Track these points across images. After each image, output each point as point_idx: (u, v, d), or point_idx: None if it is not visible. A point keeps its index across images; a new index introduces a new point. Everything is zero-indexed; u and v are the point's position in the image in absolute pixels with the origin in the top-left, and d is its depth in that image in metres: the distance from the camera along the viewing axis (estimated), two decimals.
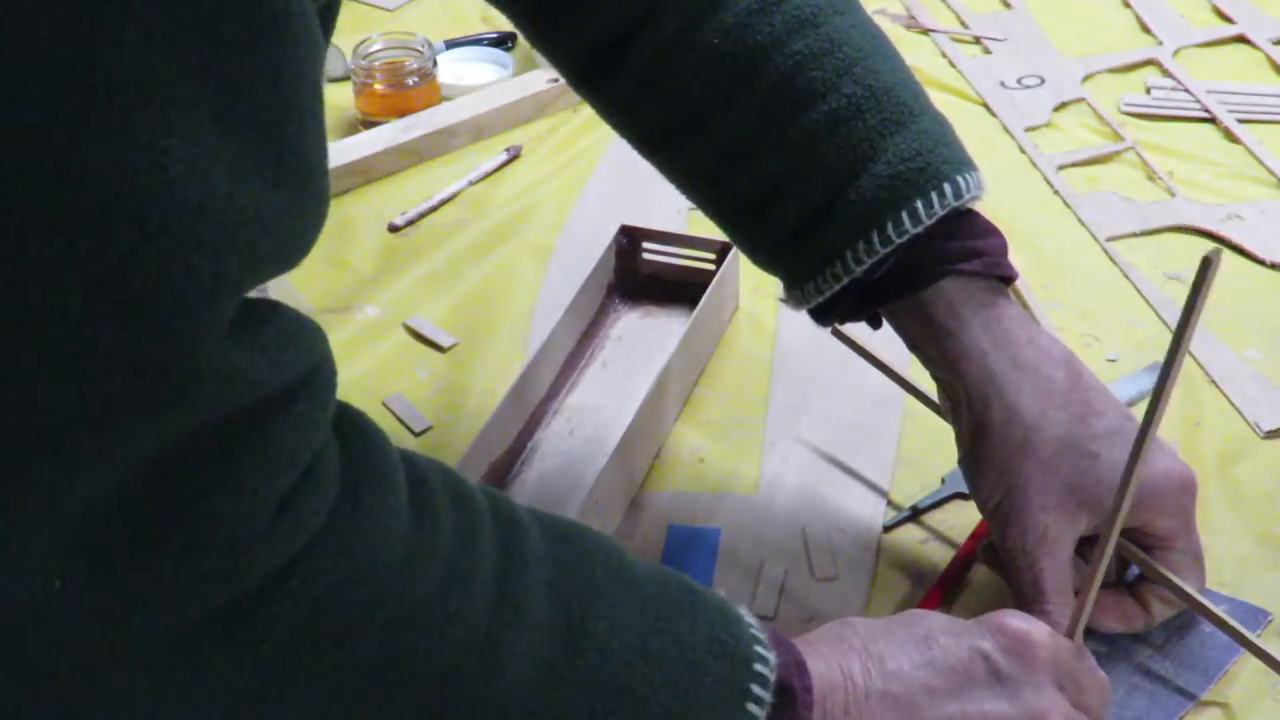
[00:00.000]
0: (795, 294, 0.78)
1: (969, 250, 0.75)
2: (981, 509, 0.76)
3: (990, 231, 0.77)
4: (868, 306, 0.77)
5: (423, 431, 0.94)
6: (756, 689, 0.62)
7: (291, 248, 0.51)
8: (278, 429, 0.51)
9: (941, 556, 0.83)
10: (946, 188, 0.74)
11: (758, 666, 0.62)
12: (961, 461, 0.77)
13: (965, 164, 0.76)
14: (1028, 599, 0.73)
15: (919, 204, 0.73)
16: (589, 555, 0.61)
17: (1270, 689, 0.75)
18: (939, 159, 0.74)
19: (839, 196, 0.74)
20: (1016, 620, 0.68)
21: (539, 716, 0.58)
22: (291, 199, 0.49)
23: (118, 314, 0.45)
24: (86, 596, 0.49)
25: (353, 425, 0.57)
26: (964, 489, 0.86)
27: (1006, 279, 0.76)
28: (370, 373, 0.99)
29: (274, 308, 0.52)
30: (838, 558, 0.83)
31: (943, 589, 0.80)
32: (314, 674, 0.54)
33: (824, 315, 0.79)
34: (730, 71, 0.74)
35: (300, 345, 0.52)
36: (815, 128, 0.74)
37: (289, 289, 1.05)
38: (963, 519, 0.85)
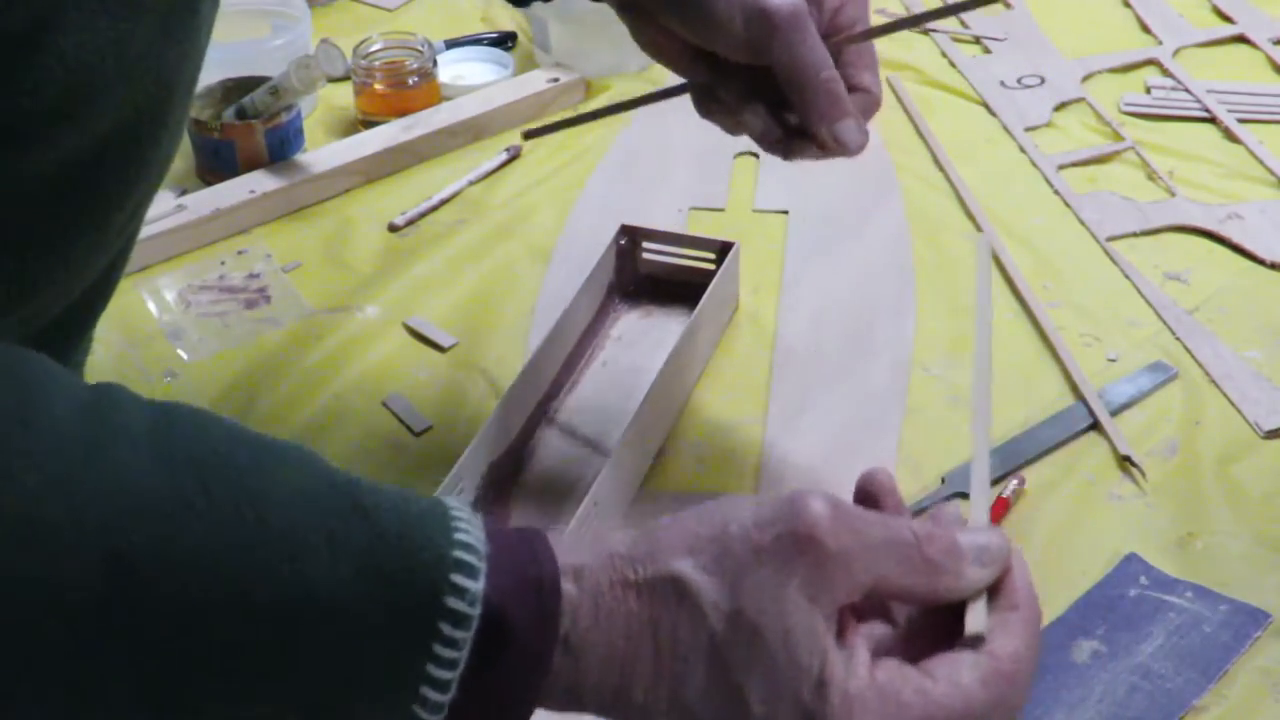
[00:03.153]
0: None
1: None
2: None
3: None
4: None
5: (423, 431, 0.94)
6: (447, 629, 0.50)
7: None
8: None
9: None
10: None
11: (449, 600, 0.50)
12: None
13: None
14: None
15: None
16: (214, 495, 0.49)
17: (1270, 689, 0.75)
18: None
19: None
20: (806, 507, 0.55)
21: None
22: None
23: None
24: None
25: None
26: (964, 489, 0.86)
27: None
28: (370, 373, 0.98)
29: None
30: None
31: None
32: None
33: None
34: None
35: None
36: None
37: (288, 288, 1.05)
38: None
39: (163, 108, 0.66)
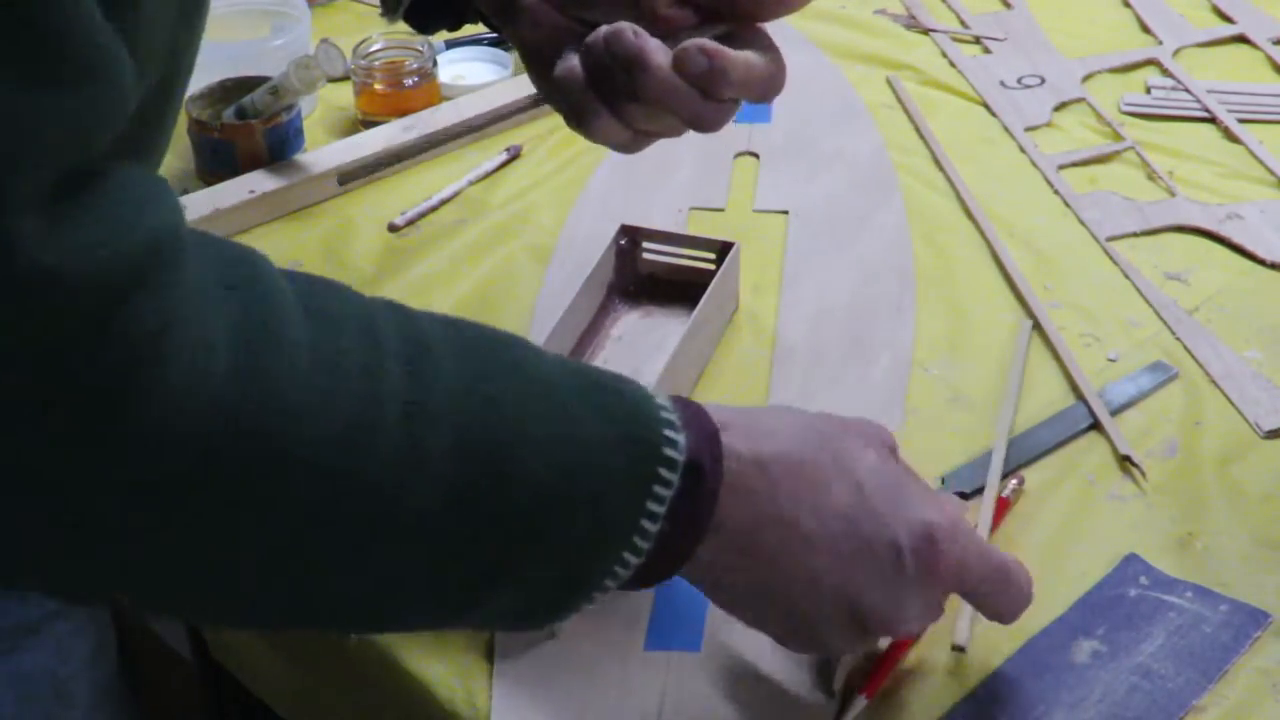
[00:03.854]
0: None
1: None
2: None
3: None
4: None
5: None
6: (664, 472, 0.63)
7: (89, 139, 0.50)
8: (135, 305, 0.50)
9: None
10: None
11: (666, 451, 0.63)
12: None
13: None
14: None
15: None
16: (496, 368, 0.61)
17: (1270, 689, 0.75)
18: None
19: None
20: (942, 525, 0.69)
21: (443, 542, 0.59)
22: (65, 95, 0.48)
23: None
24: None
25: (233, 261, 0.57)
26: (964, 488, 0.86)
27: None
28: None
29: (106, 179, 0.51)
30: None
31: None
32: (197, 496, 0.54)
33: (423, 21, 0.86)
34: None
35: (140, 218, 0.51)
36: None
37: None
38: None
39: (168, 91, 0.66)
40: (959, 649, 0.77)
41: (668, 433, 0.63)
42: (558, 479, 0.61)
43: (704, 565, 0.66)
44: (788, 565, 0.67)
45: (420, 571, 0.60)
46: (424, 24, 0.90)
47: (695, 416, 0.65)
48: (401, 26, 1.33)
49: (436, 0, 0.86)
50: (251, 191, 1.13)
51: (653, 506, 0.63)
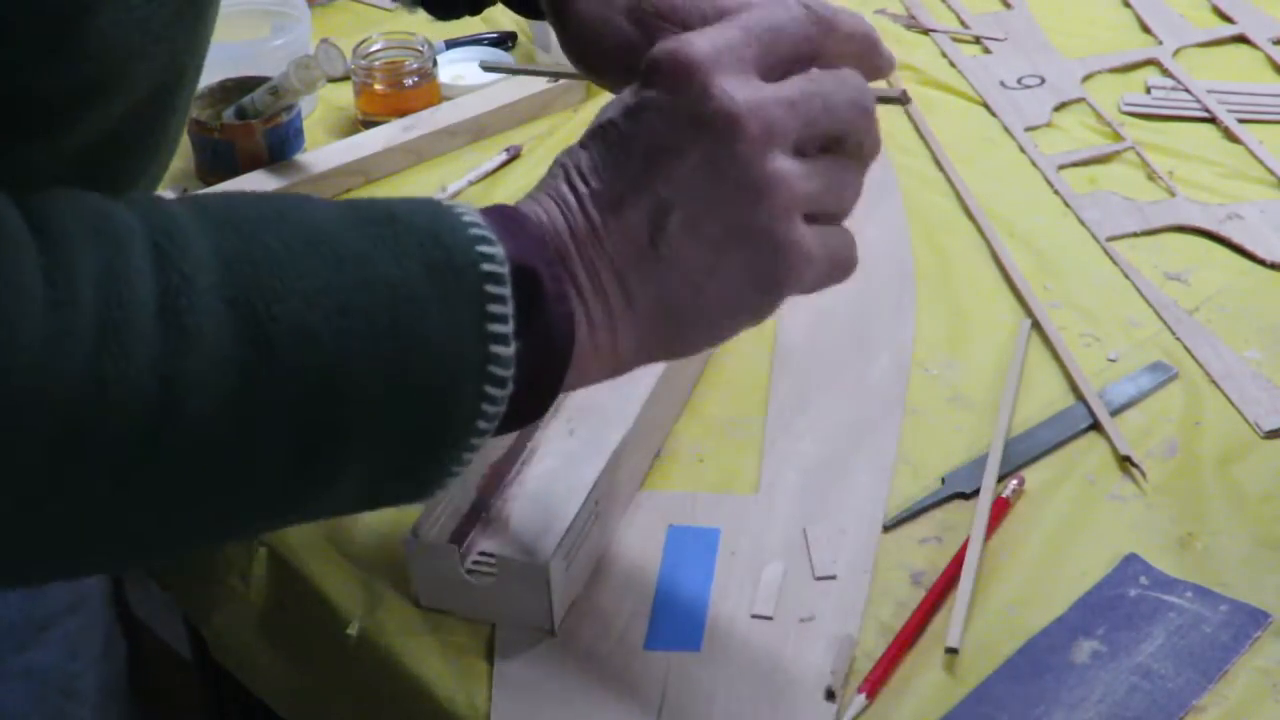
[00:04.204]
0: None
1: None
2: None
3: None
4: None
5: None
6: (492, 288, 0.58)
7: None
8: None
9: (941, 556, 0.83)
10: None
11: (486, 266, 0.58)
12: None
13: None
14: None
15: None
16: (263, 232, 0.55)
17: (1270, 689, 0.75)
18: None
19: None
20: (662, 47, 0.62)
21: (252, 432, 0.54)
22: None
23: None
24: None
25: None
26: (964, 489, 0.86)
27: None
28: None
29: None
30: (838, 558, 0.83)
31: (942, 589, 0.80)
32: None
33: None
34: None
35: None
36: None
37: None
38: (963, 519, 0.85)
39: (173, 91, 0.66)
40: (952, 651, 0.77)
41: (481, 248, 0.58)
42: (363, 335, 0.55)
43: (594, 358, 0.62)
44: (676, 253, 0.61)
45: (235, 466, 0.55)
46: (444, 10, 0.87)
47: (509, 219, 0.60)
48: (401, 25, 1.33)
49: None
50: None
51: (495, 328, 0.57)
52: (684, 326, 0.64)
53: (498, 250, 0.58)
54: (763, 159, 0.61)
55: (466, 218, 0.59)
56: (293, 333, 0.54)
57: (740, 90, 0.61)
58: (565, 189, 0.63)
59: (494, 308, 0.58)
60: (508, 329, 0.58)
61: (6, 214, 0.51)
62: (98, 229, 0.53)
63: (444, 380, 0.57)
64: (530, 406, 0.61)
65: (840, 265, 0.67)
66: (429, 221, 0.58)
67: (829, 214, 0.66)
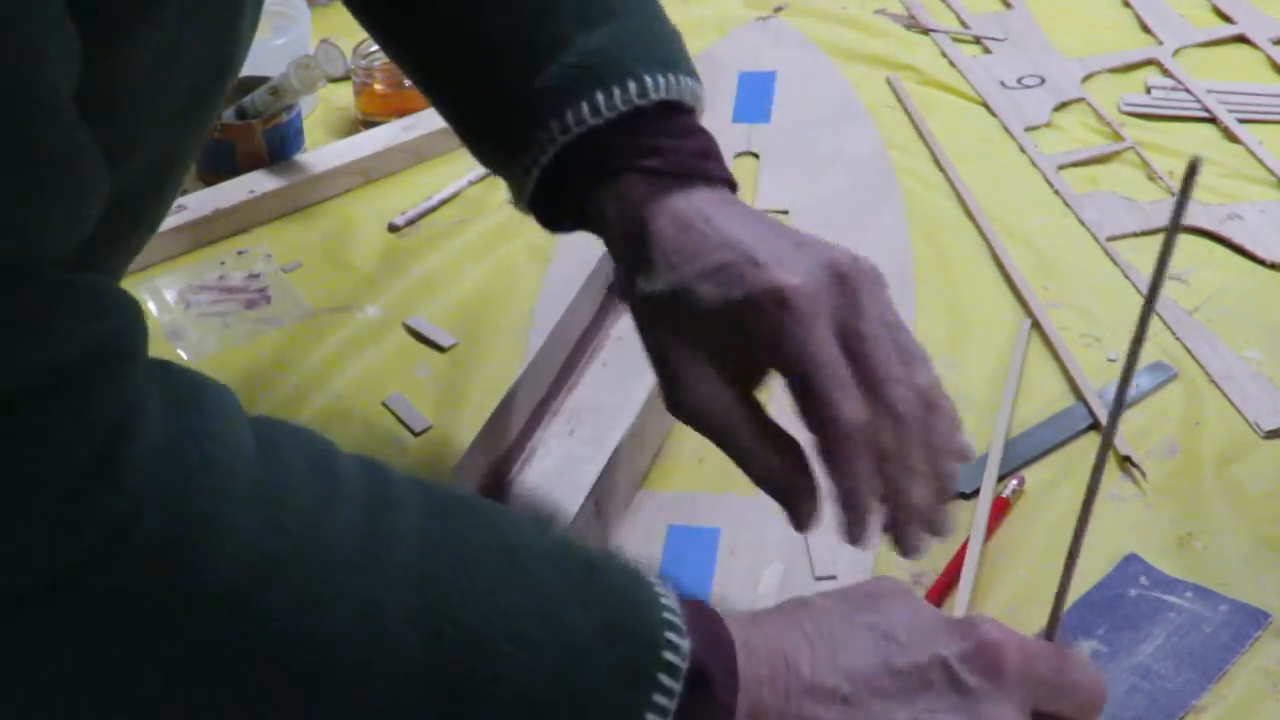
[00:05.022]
0: (513, 194, 0.78)
1: (650, 148, 0.72)
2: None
3: (690, 133, 0.74)
4: (571, 205, 0.75)
5: (423, 431, 0.94)
6: (665, 679, 0.57)
7: (36, 236, 0.49)
8: (45, 419, 0.49)
9: (941, 556, 0.83)
10: (631, 84, 0.72)
11: (666, 655, 0.57)
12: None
13: (667, 65, 0.74)
14: (728, 449, 0.70)
15: (599, 96, 0.72)
16: (470, 533, 0.57)
17: (1270, 689, 0.75)
18: (631, 57, 0.73)
19: (528, 86, 0.73)
20: (989, 627, 0.63)
21: (398, 709, 0.55)
22: (28, 191, 0.48)
23: None
24: None
25: (187, 384, 0.55)
26: (964, 488, 0.86)
27: (706, 177, 0.73)
28: (370, 373, 0.98)
29: (39, 285, 0.50)
30: (838, 558, 0.83)
31: (942, 589, 0.80)
32: (133, 657, 0.52)
33: (547, 218, 0.78)
34: None
35: (74, 327, 0.50)
36: (516, 17, 0.74)
37: (288, 289, 1.05)
38: (963, 518, 0.85)
39: (215, 88, 0.66)
40: None
41: (669, 634, 0.58)
42: (534, 666, 0.55)
43: None
44: None
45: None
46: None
47: (702, 616, 0.60)
48: None
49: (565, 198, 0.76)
50: (251, 191, 1.13)
51: (650, 718, 0.57)
52: None
53: (684, 644, 0.58)
54: None
55: (664, 599, 0.59)
56: (464, 639, 0.55)
57: None
58: (791, 649, 0.62)
59: (659, 698, 0.57)
60: (670, 706, 0.57)
61: (241, 423, 0.54)
62: (322, 466, 0.55)
63: None
64: None
65: None
66: (626, 585, 0.59)
67: None
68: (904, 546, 0.69)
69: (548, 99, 0.72)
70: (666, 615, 0.58)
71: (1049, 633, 0.66)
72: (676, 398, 0.71)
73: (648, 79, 0.72)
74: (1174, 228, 0.57)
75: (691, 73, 0.75)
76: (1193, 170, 0.55)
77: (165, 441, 0.52)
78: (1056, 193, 1.14)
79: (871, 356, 0.67)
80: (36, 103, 0.48)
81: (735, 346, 0.69)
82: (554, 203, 0.76)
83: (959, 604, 0.78)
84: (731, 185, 0.74)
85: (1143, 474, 0.88)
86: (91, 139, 0.51)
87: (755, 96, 1.25)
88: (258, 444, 0.54)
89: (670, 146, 0.72)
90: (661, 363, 0.71)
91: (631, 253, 0.72)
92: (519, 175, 0.75)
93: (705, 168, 0.73)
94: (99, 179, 0.53)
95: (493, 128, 0.76)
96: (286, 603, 0.52)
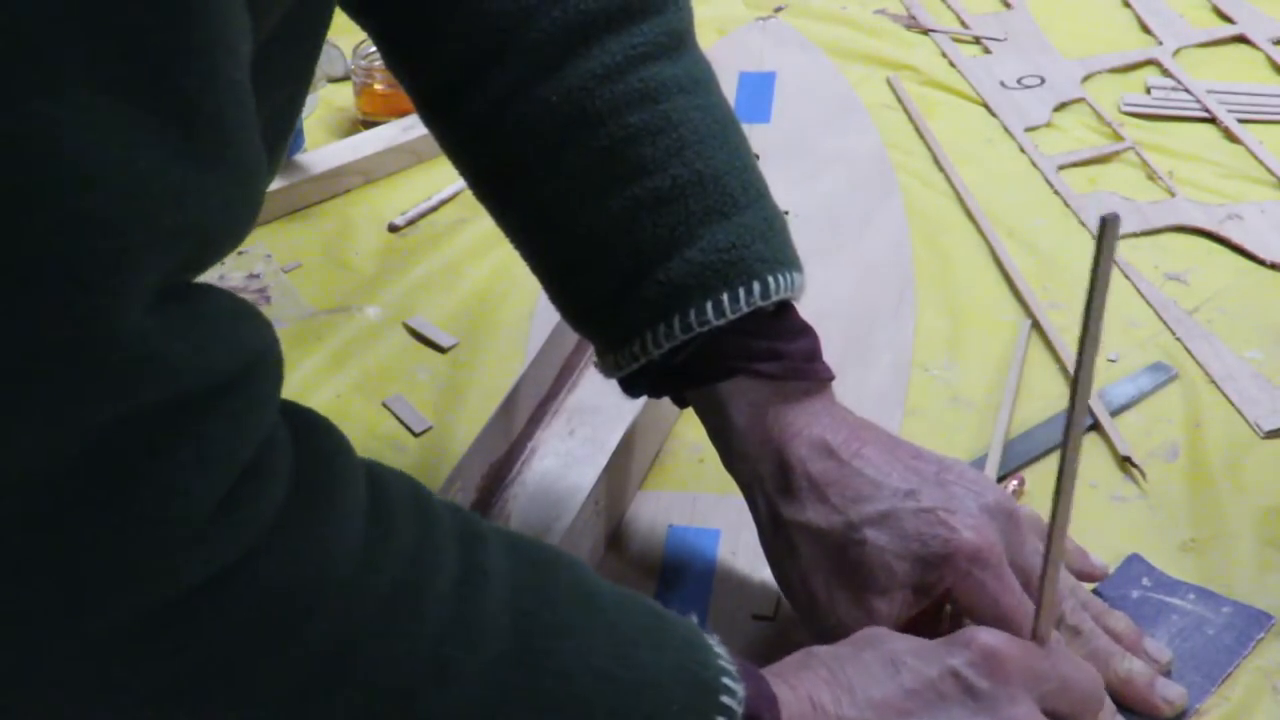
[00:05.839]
0: (604, 362, 0.77)
1: (767, 351, 0.74)
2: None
3: (799, 333, 0.76)
4: (670, 388, 0.77)
5: (423, 431, 0.94)
6: None
7: (214, 225, 0.49)
8: (212, 425, 0.49)
9: None
10: (755, 285, 0.73)
11: (724, 699, 0.61)
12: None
13: (784, 263, 0.75)
14: None
15: (724, 296, 0.72)
16: (554, 577, 0.61)
17: (1273, 691, 0.75)
18: (754, 255, 0.73)
19: (648, 275, 0.73)
20: (983, 635, 0.67)
21: None
22: (206, 172, 0.47)
23: (7, 294, 0.43)
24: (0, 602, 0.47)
25: (310, 426, 0.56)
26: None
27: (813, 379, 0.75)
28: (370, 373, 0.98)
29: (207, 293, 0.50)
30: None
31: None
32: (246, 684, 0.52)
33: (631, 387, 0.78)
34: (562, 131, 0.73)
35: (237, 335, 0.51)
36: (636, 203, 0.73)
37: (288, 289, 1.05)
38: None
39: (286, 126, 0.68)
40: None
41: (725, 680, 0.62)
42: (616, 701, 0.59)
43: None
44: None
45: None
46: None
47: (746, 668, 0.64)
48: None
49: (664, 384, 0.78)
50: None
51: None
52: None
53: (739, 688, 0.62)
54: None
55: (717, 648, 0.63)
56: (557, 673, 0.58)
57: None
58: (815, 693, 0.65)
59: None
60: None
61: (356, 468, 0.56)
62: (421, 510, 0.58)
63: None
64: None
65: None
66: (687, 633, 0.63)
67: None
68: None
69: (670, 294, 0.73)
70: (723, 663, 0.62)
71: (1035, 635, 0.68)
72: (828, 620, 0.73)
73: (770, 280, 0.73)
74: (1095, 288, 0.61)
75: (798, 264, 0.76)
76: (1104, 228, 0.58)
77: (289, 488, 0.53)
78: (1056, 193, 1.14)
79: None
80: (245, 94, 0.49)
81: (909, 585, 0.72)
82: (649, 383, 0.77)
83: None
84: (830, 380, 0.76)
85: (1142, 474, 0.88)
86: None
87: (755, 97, 1.25)
88: (368, 491, 0.56)
89: (786, 351, 0.74)
90: (804, 583, 0.74)
91: (764, 466, 0.74)
92: (625, 359, 0.75)
93: (814, 370, 0.75)
94: (265, 170, 0.53)
95: (605, 311, 0.76)
96: (374, 655, 0.54)
